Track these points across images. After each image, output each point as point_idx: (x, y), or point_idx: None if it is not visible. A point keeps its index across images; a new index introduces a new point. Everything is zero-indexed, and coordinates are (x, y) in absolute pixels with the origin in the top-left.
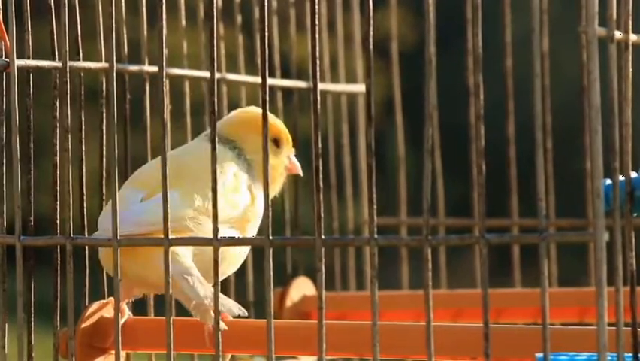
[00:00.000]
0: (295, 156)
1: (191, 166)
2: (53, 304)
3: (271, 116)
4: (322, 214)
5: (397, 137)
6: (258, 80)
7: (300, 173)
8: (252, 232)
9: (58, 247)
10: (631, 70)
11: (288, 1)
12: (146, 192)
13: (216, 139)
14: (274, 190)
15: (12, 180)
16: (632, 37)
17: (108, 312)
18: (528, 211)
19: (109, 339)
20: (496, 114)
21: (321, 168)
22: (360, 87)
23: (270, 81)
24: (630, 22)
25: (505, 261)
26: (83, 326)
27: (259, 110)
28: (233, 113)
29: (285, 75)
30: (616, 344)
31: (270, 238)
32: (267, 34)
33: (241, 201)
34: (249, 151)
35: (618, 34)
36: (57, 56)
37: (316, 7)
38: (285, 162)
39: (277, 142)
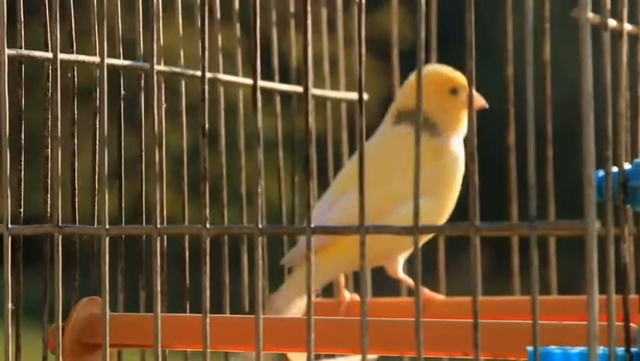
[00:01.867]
0: None
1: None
2: (42, 299)
3: (447, 68)
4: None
5: None
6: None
7: (484, 104)
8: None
9: (48, 239)
10: (625, 59)
11: (288, 5)
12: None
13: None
14: (460, 128)
15: (1, 169)
16: (626, 26)
17: (98, 308)
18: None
19: (99, 335)
20: (496, 122)
21: (313, 157)
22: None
23: (268, 85)
24: (625, 11)
25: (504, 268)
26: (73, 321)
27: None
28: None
29: (284, 79)
30: (607, 337)
31: (260, 226)
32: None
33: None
34: (429, 111)
35: (612, 23)
36: (49, 48)
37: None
38: (465, 101)
39: (455, 91)
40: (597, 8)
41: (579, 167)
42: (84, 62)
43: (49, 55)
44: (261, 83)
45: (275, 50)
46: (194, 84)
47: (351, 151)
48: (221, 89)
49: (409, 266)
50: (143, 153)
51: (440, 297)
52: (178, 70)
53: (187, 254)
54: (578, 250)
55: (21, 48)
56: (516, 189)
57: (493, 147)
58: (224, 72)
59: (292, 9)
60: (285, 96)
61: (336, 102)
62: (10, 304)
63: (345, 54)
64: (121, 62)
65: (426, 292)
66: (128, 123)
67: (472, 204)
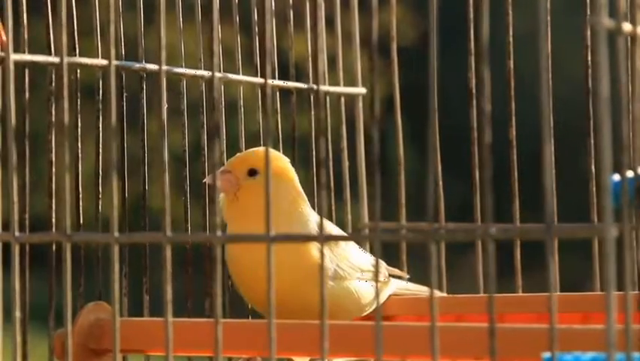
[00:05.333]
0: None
1: None
2: (48, 305)
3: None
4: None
5: (397, 139)
6: (256, 79)
7: None
8: None
9: (54, 245)
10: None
11: (287, 1)
12: None
13: None
14: None
15: (7, 176)
16: None
17: (104, 313)
18: (530, 218)
19: (105, 341)
20: (498, 118)
21: (322, 162)
22: (359, 89)
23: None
24: (639, 15)
25: (507, 266)
26: (79, 327)
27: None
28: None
29: (283, 76)
30: (625, 342)
31: (271, 235)
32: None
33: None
34: None
35: (627, 27)
36: (53, 52)
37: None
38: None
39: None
40: (604, 11)
41: (580, 163)
42: (88, 65)
43: (54, 59)
44: (261, 80)
45: (274, 47)
46: (195, 83)
47: (351, 147)
48: (222, 88)
49: (423, 270)
50: (146, 155)
51: None
52: (179, 70)
53: (190, 257)
54: (579, 249)
55: (24, 53)
56: (517, 185)
57: (493, 141)
58: (223, 69)
59: (290, 2)
60: (285, 93)
61: (336, 97)
62: (17, 313)
63: (344, 49)
64: (123, 63)
65: None
66: (128, 124)
67: (485, 212)
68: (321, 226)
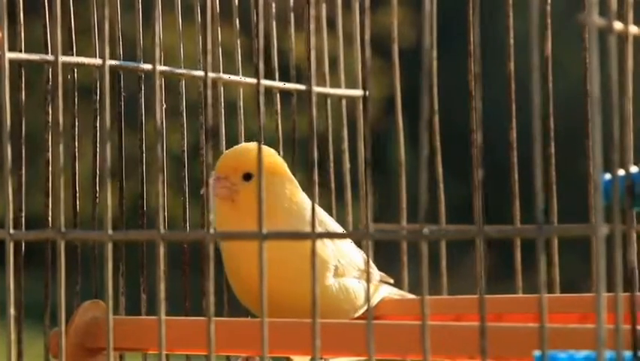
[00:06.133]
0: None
1: None
2: (44, 303)
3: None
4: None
5: (398, 141)
6: (255, 80)
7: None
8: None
9: (50, 242)
10: (631, 62)
11: (288, 3)
12: None
13: None
14: None
15: (3, 174)
16: (633, 28)
17: (100, 312)
18: (531, 220)
19: (101, 339)
20: (499, 120)
21: (316, 161)
22: (360, 91)
23: (267, 83)
24: (631, 14)
25: (506, 267)
26: (75, 325)
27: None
28: None
29: (284, 77)
30: (614, 340)
31: (264, 232)
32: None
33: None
34: None
35: (618, 26)
36: (49, 51)
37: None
38: None
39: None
40: (599, 10)
41: (580, 165)
42: (85, 64)
43: (50, 57)
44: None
45: (275, 48)
46: (194, 84)
47: (352, 148)
48: (221, 88)
49: (414, 268)
50: (144, 154)
51: None
52: (178, 70)
53: (187, 255)
54: (579, 249)
55: (21, 51)
56: (517, 186)
57: (494, 143)
58: (224, 71)
59: (291, 4)
60: (285, 94)
61: (337, 99)
62: (12, 310)
63: (345, 51)
64: (121, 62)
65: None
66: (127, 123)
67: (478, 211)
68: (312, 225)
